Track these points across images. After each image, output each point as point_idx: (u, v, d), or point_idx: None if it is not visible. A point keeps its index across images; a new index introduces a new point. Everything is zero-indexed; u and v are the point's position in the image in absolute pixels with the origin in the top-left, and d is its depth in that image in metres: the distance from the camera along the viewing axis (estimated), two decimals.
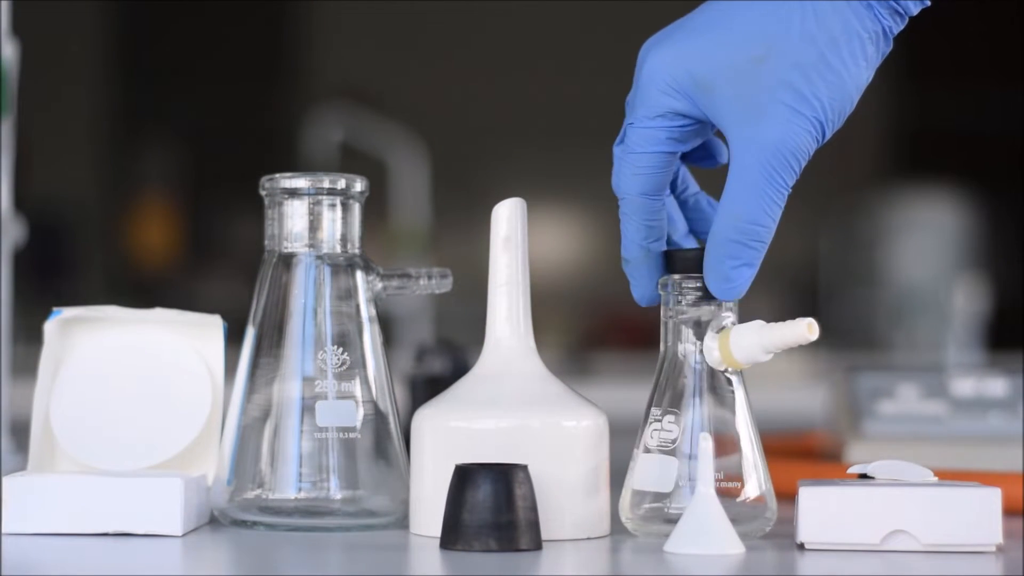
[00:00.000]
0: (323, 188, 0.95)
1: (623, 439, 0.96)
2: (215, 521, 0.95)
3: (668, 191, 0.93)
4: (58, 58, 4.51)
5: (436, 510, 0.87)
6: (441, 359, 1.21)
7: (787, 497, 0.91)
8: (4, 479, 0.90)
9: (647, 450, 0.90)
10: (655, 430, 0.90)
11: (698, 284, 0.90)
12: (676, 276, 0.90)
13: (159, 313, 0.98)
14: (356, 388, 0.94)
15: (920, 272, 4.48)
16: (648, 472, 0.89)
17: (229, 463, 0.94)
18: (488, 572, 0.80)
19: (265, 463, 0.94)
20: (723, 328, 0.89)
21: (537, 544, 0.85)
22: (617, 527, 0.92)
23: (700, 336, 0.90)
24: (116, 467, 0.95)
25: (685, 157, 0.94)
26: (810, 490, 0.86)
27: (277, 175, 0.96)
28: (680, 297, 0.90)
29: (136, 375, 0.97)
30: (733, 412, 0.90)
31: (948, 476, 0.89)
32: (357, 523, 0.93)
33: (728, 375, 0.90)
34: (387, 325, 2.07)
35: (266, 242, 0.97)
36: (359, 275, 0.96)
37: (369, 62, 4.84)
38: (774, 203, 0.86)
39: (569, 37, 4.83)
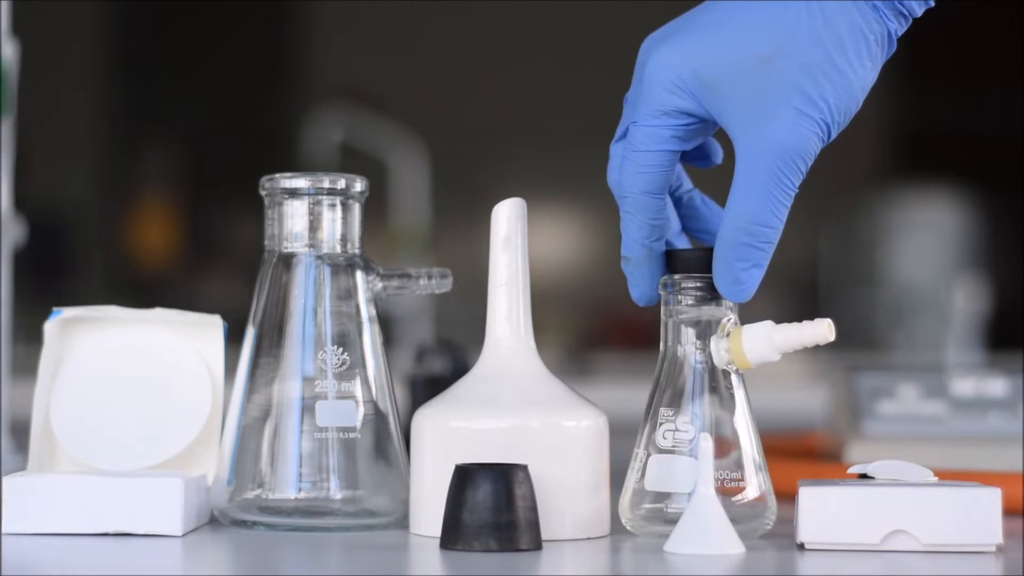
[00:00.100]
0: (323, 188, 0.95)
1: (623, 439, 0.96)
2: (215, 521, 0.95)
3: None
4: (58, 58, 4.51)
5: (436, 510, 0.87)
6: (441, 359, 1.21)
7: (787, 497, 0.91)
8: (4, 479, 0.90)
9: (659, 451, 0.90)
10: (668, 431, 0.90)
11: (699, 284, 0.90)
12: (677, 276, 0.90)
13: (159, 313, 0.98)
14: (356, 388, 0.94)
15: (920, 272, 4.48)
16: (663, 473, 0.89)
17: (229, 463, 0.94)
18: (488, 572, 0.80)
19: (265, 463, 0.94)
20: (732, 328, 0.89)
21: (537, 544, 0.85)
22: (617, 527, 0.92)
23: (700, 336, 0.90)
24: (116, 467, 0.95)
25: (680, 156, 0.94)
26: (810, 490, 0.86)
27: (277, 175, 0.96)
28: (681, 297, 0.90)
29: (136, 375, 0.97)
30: (733, 412, 0.90)
31: (948, 476, 0.89)
32: (357, 523, 0.93)
33: (729, 375, 0.90)
34: (387, 325, 2.07)
35: (266, 242, 0.97)
36: (359, 275, 0.96)
37: (369, 62, 4.84)
38: (781, 204, 0.86)
39: (569, 37, 4.83)
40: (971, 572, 0.81)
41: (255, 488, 0.93)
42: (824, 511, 0.85)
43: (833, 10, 0.85)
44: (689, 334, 0.91)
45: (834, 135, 0.87)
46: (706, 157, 0.94)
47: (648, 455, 0.90)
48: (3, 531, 0.88)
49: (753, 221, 0.86)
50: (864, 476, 0.89)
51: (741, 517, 0.88)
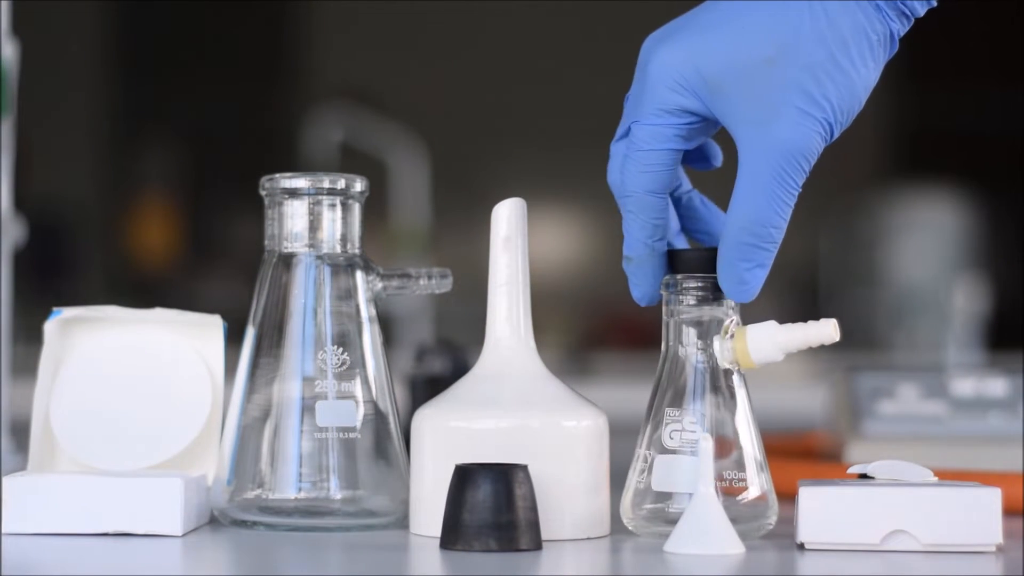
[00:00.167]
0: (323, 188, 0.95)
1: (623, 439, 0.96)
2: (215, 521, 0.95)
3: None
4: (58, 58, 4.51)
5: (436, 510, 0.87)
6: (441, 359, 1.21)
7: (787, 497, 0.91)
8: (4, 479, 0.90)
9: (666, 451, 0.89)
10: (675, 431, 0.89)
11: (701, 284, 0.90)
12: (679, 276, 0.90)
13: (159, 313, 0.98)
14: (356, 388, 0.94)
15: (920, 272, 4.48)
16: (670, 473, 0.89)
17: (229, 463, 0.94)
18: (488, 572, 0.80)
19: (265, 463, 0.94)
20: (737, 329, 0.89)
21: (537, 544, 0.85)
22: (617, 527, 0.92)
23: (702, 336, 0.90)
24: (116, 467, 0.95)
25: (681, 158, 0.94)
26: (810, 490, 0.86)
27: (277, 175, 0.96)
28: (682, 297, 0.90)
29: (136, 375, 0.97)
30: (735, 412, 0.90)
31: (948, 476, 0.89)
32: (357, 523, 0.93)
33: (730, 375, 0.90)
34: (387, 325, 2.07)
35: (266, 242, 0.97)
36: (359, 275, 0.96)
37: (369, 62, 4.84)
38: (785, 204, 0.86)
39: (569, 37, 4.83)
40: (971, 572, 0.81)
41: (255, 488, 0.93)
42: (824, 511, 0.85)
43: (836, 10, 0.85)
44: (690, 334, 0.91)
45: (836, 135, 0.87)
46: (706, 159, 0.94)
47: (653, 455, 0.90)
48: (3, 531, 0.88)
49: (757, 221, 0.86)
50: (864, 476, 0.89)
51: (742, 517, 0.88)
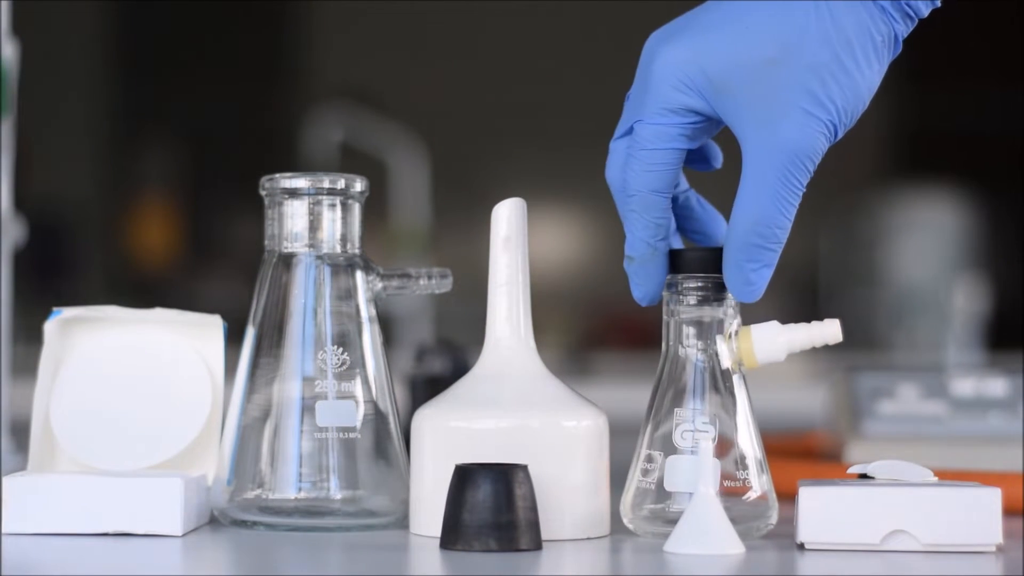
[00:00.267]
0: (323, 188, 0.95)
1: (623, 439, 0.96)
2: (215, 521, 0.95)
3: None
4: (58, 58, 4.51)
5: (436, 510, 0.87)
6: (441, 359, 1.21)
7: (787, 497, 0.91)
8: (4, 479, 0.90)
9: (678, 451, 0.89)
10: (687, 431, 0.89)
11: (701, 284, 0.90)
12: (679, 276, 0.90)
13: (159, 313, 0.98)
14: (356, 388, 0.94)
15: (920, 272, 4.48)
16: (683, 473, 0.89)
17: (229, 463, 0.94)
18: (488, 572, 0.80)
19: (265, 463, 0.94)
20: (741, 328, 0.89)
21: (537, 544, 0.85)
22: (617, 527, 0.92)
23: (702, 336, 0.90)
24: (116, 467, 0.95)
25: None
26: (810, 490, 0.86)
27: (277, 175, 0.96)
28: (683, 297, 0.90)
29: (136, 375, 0.97)
30: (735, 412, 0.90)
31: (948, 476, 0.89)
32: (357, 523, 0.93)
33: (730, 375, 0.90)
34: (387, 325, 2.07)
35: (266, 242, 0.97)
36: (359, 275, 0.96)
37: (369, 62, 4.84)
38: (790, 204, 0.86)
39: (569, 37, 4.83)
40: (971, 572, 0.81)
41: (255, 488, 0.93)
42: (824, 511, 0.85)
43: (841, 10, 0.85)
44: (691, 334, 0.91)
45: (840, 135, 0.87)
46: (706, 160, 0.94)
47: (661, 455, 0.90)
48: (3, 531, 0.88)
49: (762, 222, 0.86)
50: (864, 476, 0.89)
51: (742, 517, 0.88)
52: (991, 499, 0.85)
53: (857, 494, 0.85)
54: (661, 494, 0.89)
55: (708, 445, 0.86)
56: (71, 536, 0.88)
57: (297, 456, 0.93)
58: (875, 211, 4.65)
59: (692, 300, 0.90)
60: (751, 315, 0.90)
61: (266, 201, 0.97)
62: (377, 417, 0.95)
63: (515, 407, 0.89)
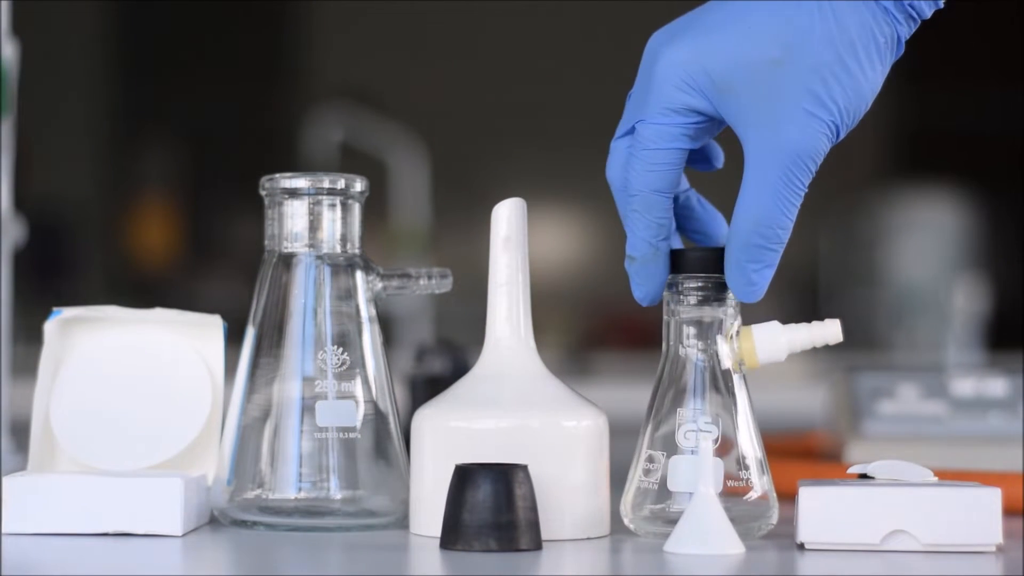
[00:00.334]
0: (323, 188, 0.95)
1: (623, 439, 0.96)
2: (215, 521, 0.95)
3: None
4: (58, 58, 4.51)
5: (436, 510, 0.87)
6: (441, 359, 1.21)
7: (787, 497, 0.91)
8: (4, 479, 0.90)
9: (682, 451, 0.89)
10: (690, 431, 0.89)
11: (702, 284, 0.90)
12: (680, 276, 0.90)
13: (159, 313, 0.98)
14: (356, 388, 0.94)
15: (920, 272, 4.48)
16: (688, 473, 0.89)
17: (229, 463, 0.94)
18: (488, 572, 0.80)
19: (265, 463, 0.94)
20: (743, 328, 0.89)
21: (537, 544, 0.85)
22: (617, 527, 0.92)
23: (702, 336, 0.90)
24: (116, 467, 0.95)
25: None
26: (810, 490, 0.86)
27: (277, 175, 0.96)
28: (683, 297, 0.90)
29: (136, 375, 0.97)
30: (735, 412, 0.90)
31: (948, 476, 0.89)
32: (357, 523, 0.93)
33: (730, 375, 0.90)
34: (387, 325, 2.07)
35: (266, 242, 0.97)
36: (359, 275, 0.96)
37: (369, 62, 4.84)
38: (792, 205, 0.87)
39: (569, 37, 4.83)
40: (971, 572, 0.81)
41: (255, 488, 0.93)
42: (824, 511, 0.85)
43: (844, 11, 0.85)
44: (691, 334, 0.91)
45: (842, 136, 0.87)
46: (707, 160, 0.94)
47: (665, 456, 0.90)
48: (3, 531, 0.88)
49: (764, 222, 0.86)
50: (864, 476, 0.89)
51: (742, 517, 0.88)
52: (991, 499, 0.85)
53: (857, 494, 0.85)
54: (661, 494, 0.89)
55: (708, 445, 0.86)
56: (71, 536, 0.88)
57: (297, 456, 0.93)
58: (875, 211, 4.65)
59: (692, 300, 0.90)
60: (751, 315, 0.90)
61: (266, 201, 0.97)
62: (377, 417, 0.95)
63: (515, 407, 0.89)
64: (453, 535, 0.84)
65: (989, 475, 1.02)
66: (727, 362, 0.89)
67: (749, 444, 0.90)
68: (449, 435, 0.89)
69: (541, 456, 0.88)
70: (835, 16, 0.85)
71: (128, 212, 4.95)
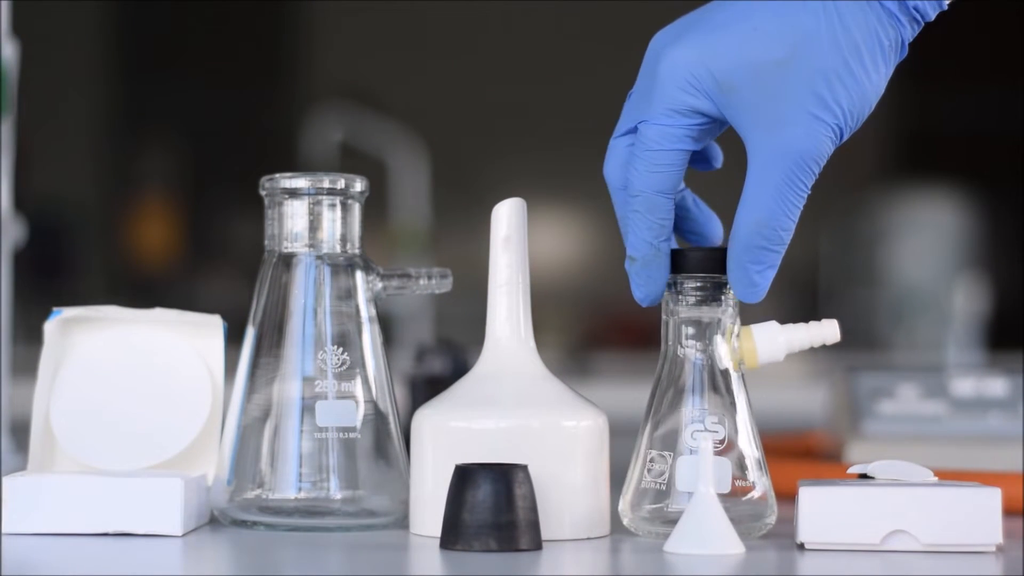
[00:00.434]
0: (323, 188, 0.95)
1: (623, 439, 0.96)
2: (215, 521, 0.95)
3: None
4: (58, 58, 4.51)
5: (436, 510, 0.87)
6: (441, 359, 1.21)
7: (787, 497, 0.91)
8: (4, 479, 0.90)
9: (689, 451, 0.89)
10: (697, 431, 0.89)
11: (701, 284, 0.90)
12: (679, 276, 0.90)
13: (159, 313, 0.98)
14: (356, 388, 0.94)
15: (920, 272, 4.48)
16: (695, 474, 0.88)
17: (229, 463, 0.94)
18: (488, 572, 0.80)
19: (265, 463, 0.94)
20: (742, 328, 0.89)
21: (537, 544, 0.85)
22: (617, 527, 0.92)
23: (701, 336, 0.90)
24: (116, 467, 0.95)
25: None
26: (810, 490, 0.86)
27: (277, 175, 0.96)
28: (682, 297, 0.90)
29: (136, 375, 0.97)
30: (735, 412, 0.90)
31: (948, 476, 0.89)
32: (357, 523, 0.93)
33: (729, 375, 0.90)
34: (387, 325, 2.07)
35: (266, 242, 0.97)
36: (359, 275, 0.96)
37: (369, 62, 4.84)
38: (794, 206, 0.87)
39: (569, 37, 4.83)
40: (971, 572, 0.81)
41: (255, 488, 0.93)
42: (824, 511, 0.85)
43: (849, 14, 0.85)
44: (690, 334, 0.91)
45: (845, 138, 0.87)
46: (706, 160, 0.94)
47: (670, 455, 0.89)
48: (3, 531, 0.88)
49: (767, 224, 0.86)
50: (864, 476, 0.89)
51: (742, 517, 0.88)
52: (991, 499, 0.85)
53: (857, 494, 0.85)
54: (661, 494, 0.89)
55: (708, 445, 0.86)
56: (71, 536, 0.88)
57: (297, 456, 0.93)
58: (875, 211, 4.65)
59: (692, 300, 0.90)
60: (752, 315, 0.90)
61: (266, 201, 0.97)
62: (377, 417, 0.95)
63: (515, 407, 0.89)
64: (453, 535, 0.84)
65: (989, 475, 1.02)
66: (726, 362, 0.89)
67: (748, 444, 0.90)
68: (449, 435, 0.89)
69: (541, 456, 0.88)
70: (840, 18, 0.85)
71: (128, 212, 4.95)
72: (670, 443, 0.90)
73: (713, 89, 0.87)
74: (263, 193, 0.96)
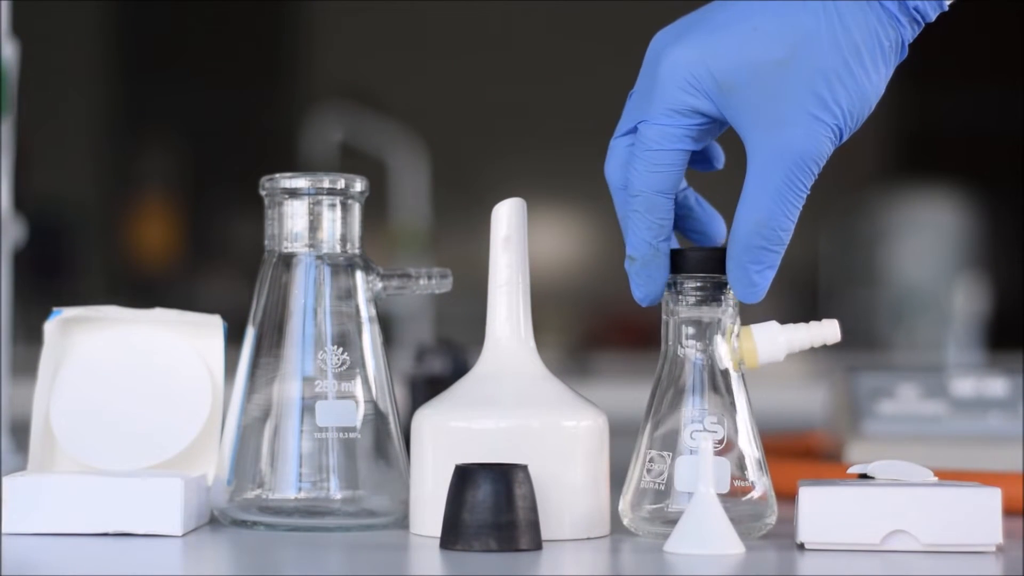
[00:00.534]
0: (323, 188, 0.95)
1: (623, 439, 0.96)
2: (215, 521, 0.95)
3: None
4: (58, 58, 4.51)
5: (436, 510, 0.87)
6: (441, 359, 1.21)
7: (787, 497, 0.91)
8: (4, 479, 0.90)
9: (688, 451, 0.89)
10: (696, 431, 0.89)
11: (701, 284, 0.90)
12: (679, 276, 0.90)
13: (159, 313, 0.98)
14: (356, 388, 0.94)
15: (920, 272, 4.48)
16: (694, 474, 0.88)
17: (229, 463, 0.94)
18: (488, 572, 0.80)
19: (265, 463, 0.94)
20: (742, 328, 0.89)
21: (537, 544, 0.85)
22: (617, 527, 0.92)
23: (701, 336, 0.90)
24: (116, 467, 0.95)
25: None
26: (810, 490, 0.86)
27: (277, 175, 0.96)
28: (682, 297, 0.90)
29: (136, 375, 0.97)
30: (735, 412, 0.90)
31: (948, 476, 0.89)
32: (357, 523, 0.93)
33: (729, 375, 0.90)
34: (387, 325, 2.07)
35: (266, 242, 0.97)
36: (359, 275, 0.96)
37: (369, 62, 4.84)
38: (794, 207, 0.87)
39: (569, 37, 4.83)
40: (971, 572, 0.81)
41: (255, 488, 0.93)
42: (824, 511, 0.85)
43: (850, 14, 0.85)
44: (690, 334, 0.91)
45: (845, 139, 0.87)
46: (707, 161, 0.94)
47: (670, 455, 0.89)
48: (3, 531, 0.88)
49: (767, 224, 0.86)
50: (864, 476, 0.89)
51: (742, 517, 0.88)
52: (991, 499, 0.85)
53: (857, 494, 0.85)
54: (661, 494, 0.89)
55: (708, 445, 0.86)
56: (71, 536, 0.88)
57: (297, 456, 0.93)
58: (875, 211, 4.65)
59: (691, 300, 0.90)
60: (752, 314, 0.90)
61: (266, 201, 0.97)
62: (377, 417, 0.95)
63: (515, 407, 0.89)
64: (453, 535, 0.84)
65: (989, 475, 1.02)
66: (726, 362, 0.89)
67: (748, 444, 0.90)
68: (449, 435, 0.89)
69: (541, 456, 0.88)
70: (840, 19, 0.85)
71: (128, 212, 4.95)
72: (670, 443, 0.90)
73: (713, 89, 0.87)
74: (263, 193, 0.96)
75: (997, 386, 1.23)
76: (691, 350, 0.91)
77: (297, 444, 0.93)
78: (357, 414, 0.94)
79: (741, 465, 0.89)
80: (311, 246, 0.96)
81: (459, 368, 1.16)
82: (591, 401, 0.92)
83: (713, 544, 0.84)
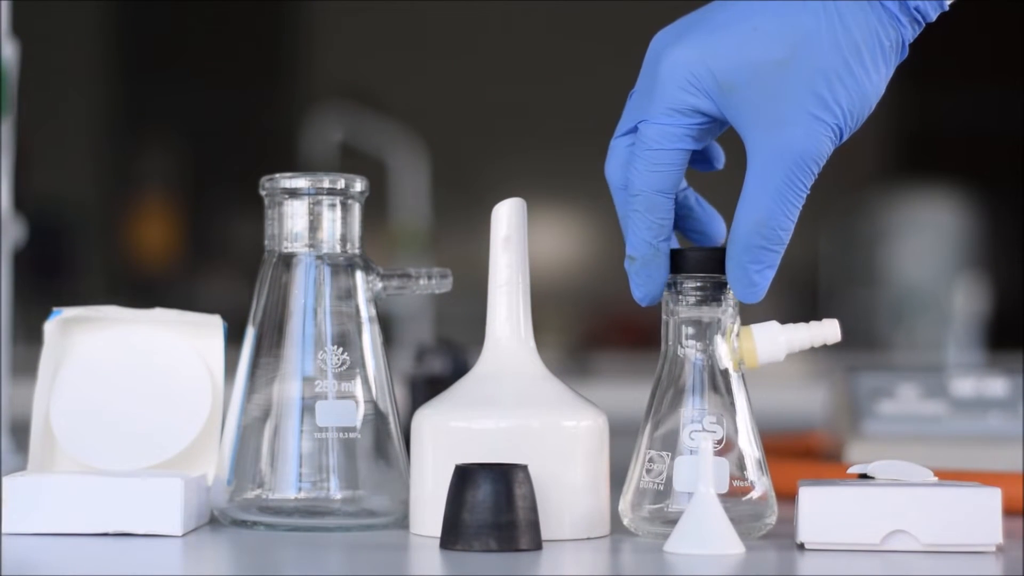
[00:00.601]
0: (323, 188, 0.95)
1: (623, 439, 0.96)
2: (215, 521, 0.95)
3: None
4: (58, 58, 4.51)
5: (436, 510, 0.87)
6: (441, 359, 1.21)
7: (787, 497, 0.91)
8: (4, 479, 0.90)
9: (687, 451, 0.89)
10: (695, 431, 0.89)
11: (701, 284, 0.90)
12: (679, 275, 0.90)
13: (159, 313, 0.98)
14: (356, 388, 0.94)
15: (920, 272, 4.48)
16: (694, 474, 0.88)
17: (229, 463, 0.94)
18: (488, 572, 0.80)
19: (265, 463, 0.94)
20: (742, 328, 0.89)
21: (537, 544, 0.85)
22: (617, 527, 0.92)
23: (701, 336, 0.90)
24: (116, 467, 0.95)
25: None
26: (810, 490, 0.86)
27: (277, 175, 0.96)
28: (682, 297, 0.90)
29: (136, 375, 0.97)
30: (735, 412, 0.90)
31: (948, 476, 0.89)
32: (357, 523, 0.93)
33: (728, 375, 0.90)
34: (387, 325, 2.07)
35: (266, 242, 0.97)
36: (359, 275, 0.96)
37: (369, 62, 4.84)
38: (794, 206, 0.87)
39: (569, 37, 4.83)
40: (971, 572, 0.81)
41: (255, 488, 0.93)
42: (824, 511, 0.85)
43: (850, 14, 0.85)
44: (690, 334, 0.91)
45: (845, 139, 0.87)
46: (708, 161, 0.94)
47: (669, 455, 0.89)
48: (3, 531, 0.88)
49: (766, 224, 0.86)
50: (864, 476, 0.89)
51: (742, 517, 0.88)
52: (991, 499, 0.85)
53: (857, 494, 0.85)
54: (661, 494, 0.89)
55: (708, 445, 0.86)
56: (71, 536, 0.88)
57: (297, 456, 0.93)
58: (875, 211, 4.65)
59: (691, 300, 0.90)
60: (752, 314, 0.90)
61: (266, 201, 0.97)
62: (377, 417, 0.95)
63: (515, 407, 0.89)
64: (453, 535, 0.84)
65: (989, 475, 1.02)
66: (726, 362, 0.89)
67: (748, 444, 0.90)
68: (449, 435, 0.89)
69: (541, 456, 0.88)
70: (841, 19, 0.85)
71: (128, 212, 4.95)
72: (670, 443, 0.90)
73: (713, 89, 0.87)
74: (263, 193, 0.96)
75: (997, 386, 1.23)
76: (691, 350, 0.91)
77: (297, 444, 0.93)
78: (357, 414, 0.94)
79: (741, 465, 0.89)
80: (311, 246, 0.96)
81: (459, 368, 1.16)
82: (591, 401, 0.92)
83: (713, 544, 0.84)
